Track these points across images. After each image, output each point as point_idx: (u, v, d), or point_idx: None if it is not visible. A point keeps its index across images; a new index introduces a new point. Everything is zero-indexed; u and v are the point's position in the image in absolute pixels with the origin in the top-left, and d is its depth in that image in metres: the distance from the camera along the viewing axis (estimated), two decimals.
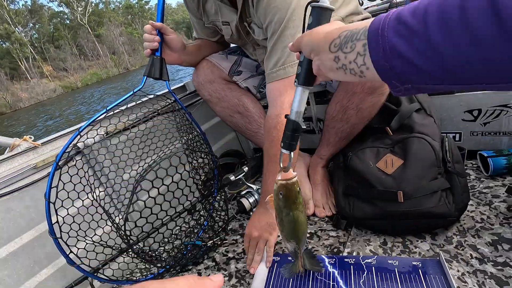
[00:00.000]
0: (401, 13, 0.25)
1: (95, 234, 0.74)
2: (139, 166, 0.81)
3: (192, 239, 0.80)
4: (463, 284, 0.51)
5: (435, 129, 0.73)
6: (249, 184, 0.99)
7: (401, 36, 0.25)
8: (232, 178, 0.99)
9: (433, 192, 0.65)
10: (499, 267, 0.58)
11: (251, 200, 0.93)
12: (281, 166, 0.50)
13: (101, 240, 0.71)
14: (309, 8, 0.41)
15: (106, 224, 0.70)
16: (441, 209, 0.64)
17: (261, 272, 0.69)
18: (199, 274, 0.77)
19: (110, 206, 0.76)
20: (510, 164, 0.79)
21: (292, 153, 0.48)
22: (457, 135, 0.91)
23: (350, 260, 0.68)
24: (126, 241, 0.67)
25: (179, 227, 0.81)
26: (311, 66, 0.39)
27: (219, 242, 0.84)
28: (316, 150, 0.92)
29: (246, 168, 1.05)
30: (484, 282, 0.56)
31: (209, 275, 0.76)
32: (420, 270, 0.61)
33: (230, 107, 0.97)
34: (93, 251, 0.69)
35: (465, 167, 0.87)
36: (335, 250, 0.73)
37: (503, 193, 0.76)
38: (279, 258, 0.74)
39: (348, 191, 0.76)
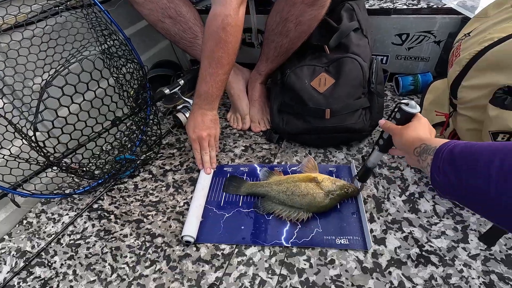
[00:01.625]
0: (454, 152, 0.35)
1: (10, 148, 0.66)
2: (44, 72, 0.68)
3: (125, 154, 0.78)
4: (364, 184, 0.64)
5: (367, 51, 0.76)
6: (185, 99, 0.95)
7: (451, 168, 0.35)
8: (167, 91, 0.93)
9: (355, 110, 0.73)
10: (392, 171, 0.72)
11: (188, 114, 0.91)
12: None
13: (18, 157, 0.64)
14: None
15: (16, 137, 0.62)
16: (359, 125, 0.73)
17: (206, 177, 0.74)
18: (136, 186, 0.78)
19: (20, 119, 0.66)
20: (415, 81, 0.91)
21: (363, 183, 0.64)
22: (385, 58, 0.97)
23: (279, 169, 0.77)
24: (42, 154, 0.61)
25: (109, 143, 0.77)
26: (391, 142, 0.51)
27: (154, 156, 0.84)
28: (255, 66, 0.89)
29: (182, 81, 0.98)
30: (379, 182, 0.70)
31: (146, 186, 0.78)
32: (334, 174, 0.73)
33: (158, 9, 0.83)
34: (6, 166, 0.62)
35: (385, 89, 0.97)
36: (267, 160, 0.80)
37: None
38: (231, 169, 0.79)
39: (282, 108, 0.80)
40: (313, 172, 0.69)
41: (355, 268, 0.55)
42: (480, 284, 0.51)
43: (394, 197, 0.67)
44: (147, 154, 0.81)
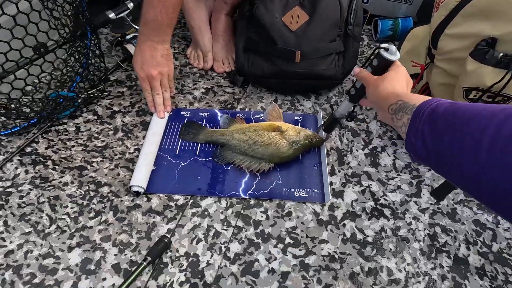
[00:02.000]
0: (437, 112, 0.30)
1: None
2: None
3: (61, 91, 0.66)
4: (330, 135, 0.61)
5: None
6: (136, 27, 0.80)
7: (430, 131, 0.30)
8: (112, 15, 0.76)
9: (328, 55, 0.66)
10: (358, 123, 0.70)
11: None
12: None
13: None
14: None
15: None
16: (330, 71, 0.67)
17: (159, 121, 0.66)
18: (78, 128, 0.68)
19: None
20: (395, 25, 0.85)
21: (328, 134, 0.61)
22: None
23: (242, 115, 0.70)
24: None
25: (39, 78, 0.64)
26: (363, 93, 0.47)
27: (99, 94, 0.72)
28: None
29: (132, 4, 0.81)
30: (344, 134, 0.68)
31: (90, 129, 0.68)
32: (299, 123, 0.69)
33: None
34: None
35: (362, 32, 0.89)
36: (229, 106, 0.73)
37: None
38: (189, 114, 0.70)
39: (248, 46, 0.70)
40: (278, 121, 0.64)
41: (311, 220, 0.55)
42: (425, 235, 0.53)
43: (357, 150, 0.65)
44: (89, 92, 0.69)
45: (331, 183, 0.59)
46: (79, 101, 0.68)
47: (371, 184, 0.60)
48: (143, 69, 0.62)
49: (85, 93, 0.68)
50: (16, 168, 0.61)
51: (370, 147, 0.66)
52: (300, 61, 0.64)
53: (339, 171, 0.62)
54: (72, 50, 0.68)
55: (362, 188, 0.59)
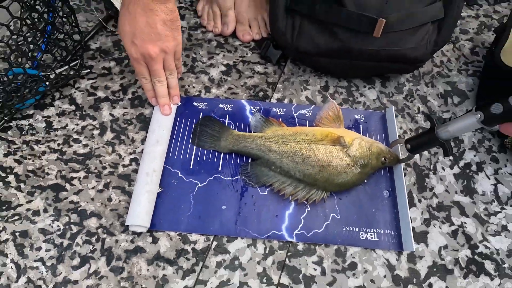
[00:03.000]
0: None
1: None
2: None
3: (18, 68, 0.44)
4: (412, 156, 0.42)
5: None
6: None
7: None
8: None
9: (421, 25, 0.43)
10: None
11: None
12: None
13: None
14: None
15: None
16: (419, 51, 0.45)
17: (164, 120, 0.46)
18: (49, 124, 0.48)
19: None
20: None
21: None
22: None
23: (279, 110, 0.50)
24: None
25: None
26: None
27: (75, 73, 0.51)
28: None
29: None
30: None
31: (66, 126, 0.48)
32: (361, 125, 0.49)
33: None
34: None
35: None
36: (261, 94, 0.52)
37: (473, 28, 0.60)
38: (205, 105, 0.50)
39: (295, 4, 0.46)
40: (336, 125, 0.44)
41: (384, 277, 0.39)
42: None
43: (443, 168, 0.47)
44: (59, 72, 0.48)
45: (410, 220, 0.42)
46: (46, 83, 0.47)
47: (465, 223, 0.43)
48: (135, 44, 0.40)
49: (53, 72, 0.46)
50: None
51: (461, 163, 0.47)
52: (381, 35, 0.41)
53: (419, 201, 0.44)
54: (29, 3, 0.44)
55: (453, 228, 0.43)
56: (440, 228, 0.42)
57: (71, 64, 0.49)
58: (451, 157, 0.47)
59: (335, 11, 0.42)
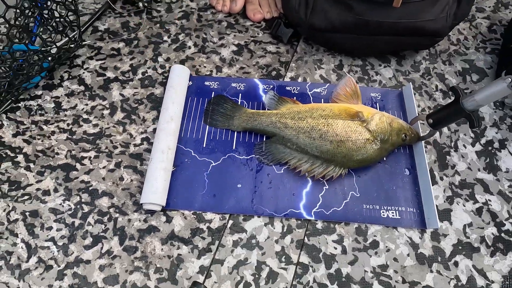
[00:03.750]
0: None
1: None
2: None
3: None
4: (435, 131, 0.41)
5: None
6: None
7: None
8: None
9: None
10: None
11: None
12: None
13: None
14: None
15: None
16: (439, 23, 0.43)
17: (177, 95, 0.45)
18: (58, 104, 0.47)
19: None
20: None
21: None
22: None
23: (293, 89, 0.49)
24: None
25: None
26: None
27: (76, 44, 0.49)
28: None
29: None
30: None
31: (75, 106, 0.47)
32: (377, 103, 0.48)
33: None
34: None
35: None
36: (274, 73, 0.51)
37: (489, 6, 0.58)
38: (217, 85, 0.49)
39: None
40: (354, 101, 0.43)
41: (408, 255, 0.38)
42: None
43: (464, 146, 0.45)
44: (60, 45, 0.46)
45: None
46: (49, 58, 0.45)
47: (489, 200, 0.41)
48: None
49: (54, 46, 0.45)
50: None
51: (483, 141, 0.45)
52: (401, 5, 0.40)
53: (441, 179, 0.43)
54: None
55: (477, 205, 0.41)
56: (464, 206, 0.41)
57: (70, 36, 0.47)
58: (472, 134, 0.46)
59: None
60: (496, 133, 0.46)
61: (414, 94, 0.49)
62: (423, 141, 0.42)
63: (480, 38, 0.55)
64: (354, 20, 0.43)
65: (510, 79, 0.29)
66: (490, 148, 0.45)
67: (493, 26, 0.56)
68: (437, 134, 0.46)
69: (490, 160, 0.44)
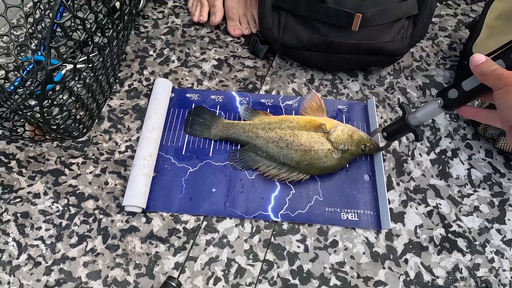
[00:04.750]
0: None
1: None
2: None
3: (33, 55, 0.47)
4: (390, 144, 0.45)
5: None
6: None
7: None
8: None
9: (396, 20, 0.46)
10: None
11: None
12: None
13: None
14: None
15: None
16: (396, 44, 0.48)
17: (159, 106, 0.49)
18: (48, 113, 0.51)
19: None
20: None
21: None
22: None
23: (267, 101, 0.53)
24: None
25: None
26: (474, 97, 0.31)
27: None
28: None
29: None
30: None
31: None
32: (343, 114, 0.52)
33: None
34: None
35: None
36: (250, 86, 0.55)
37: (451, 26, 0.63)
38: (197, 96, 0.53)
39: (281, 2, 0.50)
40: (319, 114, 0.47)
41: (363, 253, 0.42)
42: None
43: (420, 154, 0.50)
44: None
45: (388, 202, 0.45)
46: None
47: (440, 204, 0.46)
48: None
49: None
50: None
51: (437, 150, 0.50)
52: (359, 29, 0.44)
53: (397, 184, 0.47)
54: None
55: (428, 208, 0.45)
56: (417, 209, 0.45)
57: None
58: (428, 144, 0.50)
59: (316, 7, 0.45)
60: (450, 143, 0.51)
61: (378, 106, 0.54)
62: (381, 151, 0.47)
63: (441, 55, 0.59)
64: (320, 40, 0.48)
65: (439, 100, 0.33)
66: (443, 156, 0.49)
67: (453, 44, 0.61)
68: (397, 143, 0.50)
69: (442, 167, 0.48)
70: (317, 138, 0.44)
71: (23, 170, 0.46)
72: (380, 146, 0.46)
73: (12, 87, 0.49)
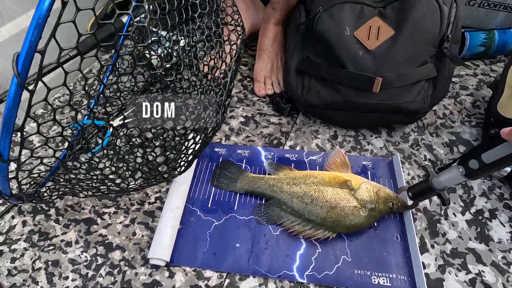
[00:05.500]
0: None
1: None
2: None
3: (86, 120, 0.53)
4: (416, 204, 0.44)
5: None
6: (155, 29, 0.67)
7: None
8: (125, 19, 0.63)
9: (416, 82, 0.49)
10: None
11: (161, 51, 0.63)
12: None
13: None
14: None
15: None
16: (417, 104, 0.50)
17: None
18: (89, 164, 0.56)
19: None
20: (489, 40, 0.65)
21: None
22: None
23: (292, 156, 0.55)
24: None
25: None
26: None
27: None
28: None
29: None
30: None
31: (104, 167, 0.55)
32: (369, 171, 0.52)
33: None
34: None
35: None
36: (275, 142, 0.58)
37: (472, 85, 0.65)
38: (225, 151, 0.56)
39: (304, 67, 0.54)
40: (344, 170, 0.48)
41: None
42: None
43: (454, 214, 0.47)
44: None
45: (423, 265, 0.42)
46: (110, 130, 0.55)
47: (483, 271, 0.42)
48: None
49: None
50: (13, 217, 0.50)
51: (472, 210, 0.47)
52: (380, 90, 0.47)
53: (432, 246, 0.44)
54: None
55: (470, 276, 0.41)
56: (457, 276, 0.41)
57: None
58: (461, 203, 0.48)
59: (338, 72, 0.49)
60: (486, 202, 0.48)
61: (404, 163, 0.53)
62: (410, 210, 0.45)
63: (465, 113, 0.60)
64: (343, 101, 0.51)
65: (461, 169, 0.33)
66: (480, 217, 0.46)
67: (477, 102, 0.61)
68: (427, 201, 0.48)
69: (481, 229, 0.45)
70: (343, 195, 0.44)
71: (60, 218, 0.49)
72: (408, 204, 0.45)
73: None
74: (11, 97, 0.24)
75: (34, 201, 0.40)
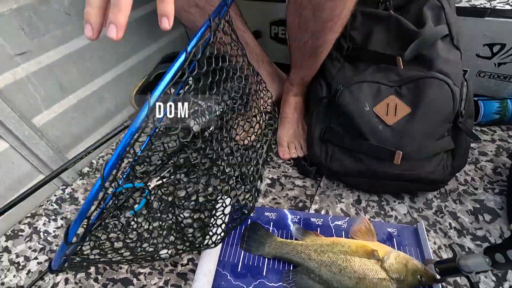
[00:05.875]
0: None
1: None
2: None
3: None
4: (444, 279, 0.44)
5: (459, 69, 0.54)
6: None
7: None
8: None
9: (435, 154, 0.52)
10: (478, 242, 0.52)
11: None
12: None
13: None
14: None
15: None
16: (437, 174, 0.52)
17: None
18: (127, 222, 0.60)
19: None
20: (503, 108, 0.68)
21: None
22: None
23: (317, 220, 0.57)
24: None
25: None
26: None
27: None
28: (289, 75, 0.68)
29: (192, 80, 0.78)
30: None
31: (140, 226, 0.60)
32: (394, 238, 0.53)
33: None
34: None
35: None
36: (300, 204, 0.61)
37: (491, 151, 0.67)
38: (253, 213, 0.60)
39: (328, 136, 0.59)
40: (369, 238, 0.49)
41: None
42: None
43: None
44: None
45: None
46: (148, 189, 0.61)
47: None
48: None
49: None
50: (56, 274, 0.53)
51: (506, 285, 0.47)
52: (401, 162, 0.50)
53: None
54: None
55: None
56: None
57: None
58: (493, 278, 0.47)
59: (360, 143, 0.54)
60: None
61: (429, 231, 0.54)
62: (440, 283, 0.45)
63: (487, 180, 0.61)
64: (364, 169, 0.54)
65: (487, 259, 0.35)
66: None
67: (498, 168, 0.63)
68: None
69: None
70: (371, 266, 0.45)
71: (99, 277, 0.52)
72: (437, 277, 0.45)
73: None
74: (92, 193, 0.29)
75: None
